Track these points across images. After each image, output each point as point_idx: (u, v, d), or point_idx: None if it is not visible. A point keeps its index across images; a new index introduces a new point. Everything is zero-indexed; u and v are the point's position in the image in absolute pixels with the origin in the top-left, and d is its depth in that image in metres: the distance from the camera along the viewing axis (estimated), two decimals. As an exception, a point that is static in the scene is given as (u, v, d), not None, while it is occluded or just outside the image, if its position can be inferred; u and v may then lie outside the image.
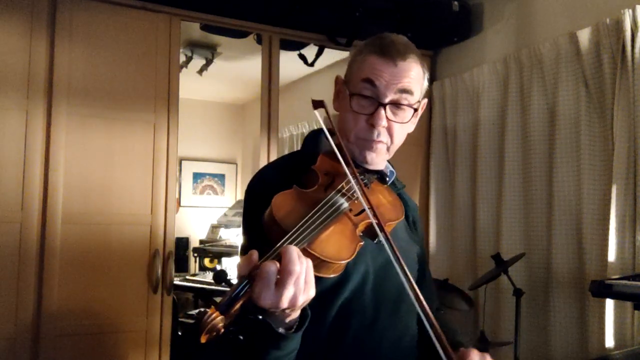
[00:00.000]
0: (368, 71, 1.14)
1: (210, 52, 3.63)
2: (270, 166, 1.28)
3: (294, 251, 0.82)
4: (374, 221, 1.00)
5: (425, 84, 1.21)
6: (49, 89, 2.50)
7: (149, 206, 2.67)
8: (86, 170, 2.56)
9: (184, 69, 3.59)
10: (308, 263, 0.84)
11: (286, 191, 1.01)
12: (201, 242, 4.46)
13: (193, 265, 4.37)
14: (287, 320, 0.90)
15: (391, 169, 1.32)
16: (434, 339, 0.96)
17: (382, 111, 1.13)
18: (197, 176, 4.85)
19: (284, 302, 0.81)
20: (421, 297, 0.99)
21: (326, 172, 1.05)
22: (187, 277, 3.89)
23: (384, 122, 1.13)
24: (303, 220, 0.91)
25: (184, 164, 4.86)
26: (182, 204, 4.72)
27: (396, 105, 1.15)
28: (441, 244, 3.34)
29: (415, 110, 1.18)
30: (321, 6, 2.89)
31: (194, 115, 4.76)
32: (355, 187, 1.03)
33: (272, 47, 3.05)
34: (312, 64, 3.25)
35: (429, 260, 3.37)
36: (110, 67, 2.63)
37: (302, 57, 3.26)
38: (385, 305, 1.14)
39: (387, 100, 1.13)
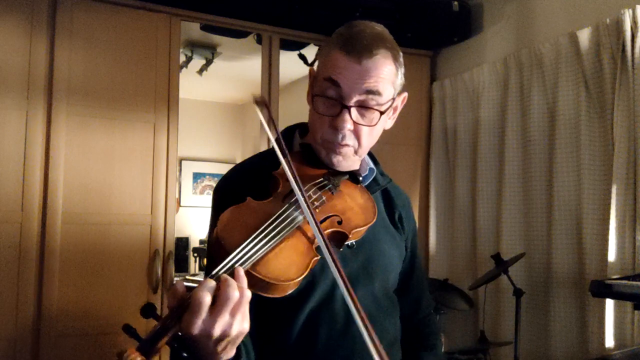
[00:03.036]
0: (331, 69, 1.04)
1: (210, 52, 3.63)
2: (237, 168, 1.19)
3: (231, 279, 0.76)
4: (319, 237, 0.89)
5: (400, 79, 1.11)
6: (49, 89, 2.50)
7: (148, 206, 2.67)
8: (86, 170, 2.56)
9: (184, 69, 3.59)
10: (248, 293, 0.77)
11: (235, 206, 0.93)
12: (201, 242, 4.46)
13: (193, 265, 4.37)
14: None
15: (371, 165, 1.21)
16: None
17: (346, 114, 1.03)
18: (197, 176, 4.85)
19: (216, 330, 0.74)
20: (367, 322, 0.86)
21: (288, 179, 0.95)
22: (187, 277, 3.89)
23: (348, 126, 1.03)
24: (247, 241, 0.83)
25: (184, 164, 4.86)
26: (182, 204, 4.72)
27: (363, 107, 1.05)
28: (441, 244, 3.34)
29: (383, 112, 1.07)
30: (321, 6, 2.90)
31: (194, 115, 4.76)
32: (301, 201, 0.92)
33: (272, 47, 3.05)
34: (312, 64, 3.25)
35: (428, 260, 3.37)
36: (110, 67, 2.63)
37: (302, 57, 3.26)
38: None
39: (351, 102, 1.03)
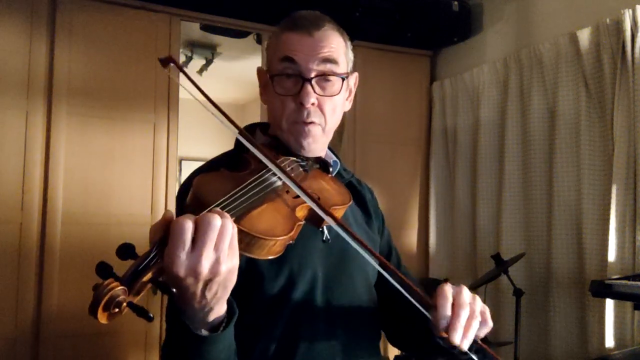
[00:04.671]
0: (284, 49, 1.04)
1: (210, 52, 3.63)
2: (201, 167, 1.13)
3: (214, 211, 0.71)
4: (308, 200, 0.86)
5: (350, 54, 1.12)
6: (49, 89, 2.50)
7: (149, 206, 2.67)
8: (86, 170, 2.55)
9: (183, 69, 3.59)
10: (232, 224, 0.70)
11: (211, 172, 0.90)
12: (201, 242, 4.45)
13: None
14: (211, 317, 0.75)
15: (334, 158, 1.18)
16: (408, 296, 0.87)
17: (309, 86, 1.02)
18: (196, 176, 4.85)
19: (204, 266, 0.67)
20: (385, 262, 0.90)
21: (260, 160, 0.93)
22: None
23: (312, 99, 1.02)
24: (229, 194, 0.78)
25: (184, 164, 4.86)
26: (182, 204, 4.72)
27: (322, 77, 1.04)
28: (441, 244, 3.34)
29: (344, 79, 1.06)
30: (321, 6, 2.89)
31: (194, 115, 4.75)
32: (277, 172, 0.89)
33: (272, 47, 3.05)
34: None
35: (428, 260, 3.37)
36: (110, 67, 2.63)
37: (302, 57, 3.26)
38: (339, 310, 1.03)
39: (311, 74, 1.02)
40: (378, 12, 3.00)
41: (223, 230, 0.68)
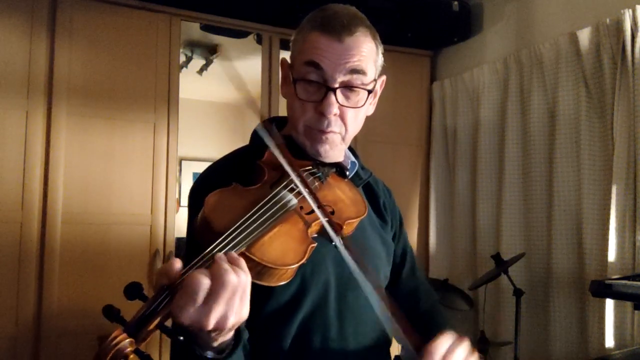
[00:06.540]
0: (310, 52, 0.98)
1: (210, 52, 3.63)
2: (214, 165, 1.11)
3: (227, 259, 0.68)
4: (324, 219, 0.86)
5: (380, 59, 1.06)
6: (49, 89, 2.50)
7: (149, 206, 2.67)
8: (86, 170, 2.56)
9: (184, 69, 3.59)
10: (247, 277, 0.69)
11: (223, 189, 0.87)
12: (201, 242, 4.44)
13: (193, 265, 4.36)
14: (217, 343, 0.74)
15: (352, 159, 1.14)
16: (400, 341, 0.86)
17: (332, 97, 0.97)
18: (197, 176, 4.85)
19: (210, 322, 0.66)
20: (384, 301, 0.89)
21: (274, 167, 0.90)
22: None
23: (334, 110, 0.98)
24: (241, 221, 0.77)
25: (184, 164, 4.85)
26: (182, 204, 4.72)
27: (348, 87, 0.99)
28: (441, 244, 3.34)
29: (370, 91, 1.02)
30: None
31: (194, 115, 4.76)
32: (297, 183, 0.88)
33: (272, 47, 3.05)
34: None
35: (428, 260, 3.37)
36: (110, 67, 2.63)
37: (302, 57, 3.25)
38: (351, 317, 1.01)
39: (336, 84, 0.97)
40: (379, 12, 3.00)
41: (237, 287, 0.67)
